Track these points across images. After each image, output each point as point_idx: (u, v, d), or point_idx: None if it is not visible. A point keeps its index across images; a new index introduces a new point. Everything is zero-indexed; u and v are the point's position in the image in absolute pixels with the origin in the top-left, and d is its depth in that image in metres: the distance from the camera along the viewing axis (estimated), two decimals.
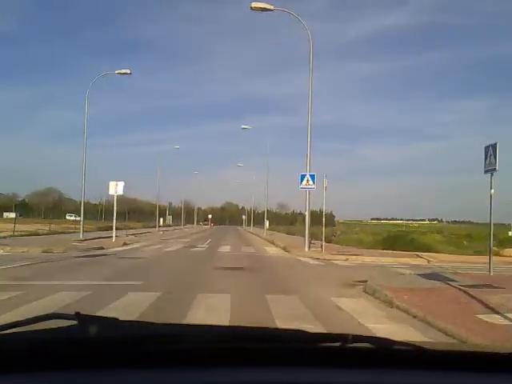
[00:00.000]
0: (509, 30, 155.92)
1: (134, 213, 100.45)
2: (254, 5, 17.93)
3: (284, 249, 21.35)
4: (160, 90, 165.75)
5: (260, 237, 36.37)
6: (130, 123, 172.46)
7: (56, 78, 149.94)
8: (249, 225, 78.91)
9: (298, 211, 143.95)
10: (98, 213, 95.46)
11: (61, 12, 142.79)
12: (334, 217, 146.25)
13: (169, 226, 72.74)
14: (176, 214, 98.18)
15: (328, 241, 23.96)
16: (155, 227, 60.60)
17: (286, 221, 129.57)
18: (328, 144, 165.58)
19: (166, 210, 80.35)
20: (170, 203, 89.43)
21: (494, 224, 10.37)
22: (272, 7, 18.13)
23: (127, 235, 29.60)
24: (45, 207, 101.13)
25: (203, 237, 36.18)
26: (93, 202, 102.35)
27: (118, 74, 24.41)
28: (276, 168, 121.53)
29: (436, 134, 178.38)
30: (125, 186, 22.93)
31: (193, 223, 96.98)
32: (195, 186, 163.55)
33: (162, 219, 70.40)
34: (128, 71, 24.25)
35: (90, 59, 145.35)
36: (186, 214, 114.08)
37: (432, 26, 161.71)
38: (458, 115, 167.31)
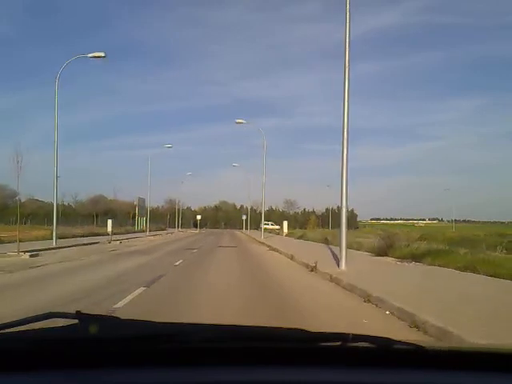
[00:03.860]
0: (502, 29, 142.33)
1: (107, 214, 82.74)
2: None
3: None
4: (154, 92, 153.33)
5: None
6: (126, 126, 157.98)
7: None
8: (254, 227, 56.10)
9: (311, 209, 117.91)
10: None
11: (52, 16, 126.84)
12: (356, 216, 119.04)
13: (125, 233, 45.87)
14: (163, 215, 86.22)
15: None
16: (107, 234, 34.91)
17: (296, 222, 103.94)
18: (324, 146, 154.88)
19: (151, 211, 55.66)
20: (141, 200, 60.52)
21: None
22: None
23: None
24: None
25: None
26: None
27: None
28: (276, 168, 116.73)
29: (432, 133, 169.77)
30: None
31: (178, 227, 70.58)
32: (187, 186, 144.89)
33: (110, 222, 43.01)
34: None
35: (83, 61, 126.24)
36: (170, 217, 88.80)
37: (426, 26, 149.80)
38: (454, 114, 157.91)
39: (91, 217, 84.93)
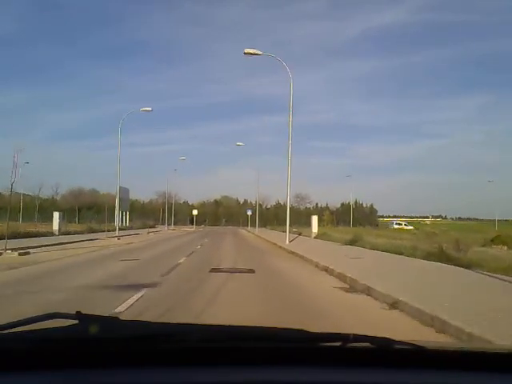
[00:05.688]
0: (505, 26, 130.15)
1: (91, 208, 73.75)
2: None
3: None
4: (154, 91, 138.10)
5: None
6: (126, 124, 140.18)
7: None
8: (264, 225, 44.91)
9: (325, 204, 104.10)
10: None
11: (56, 13, 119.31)
12: (376, 212, 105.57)
13: (88, 232, 32.83)
14: (155, 210, 76.69)
15: None
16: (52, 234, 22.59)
17: (308, 218, 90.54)
18: (327, 143, 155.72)
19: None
20: (124, 190, 47.21)
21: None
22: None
23: None
24: None
25: None
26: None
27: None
28: (282, 165, 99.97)
29: (436, 131, 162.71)
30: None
31: (169, 224, 58.16)
32: (186, 180, 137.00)
33: (57, 215, 29.80)
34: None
35: (88, 61, 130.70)
36: (163, 212, 75.81)
37: (429, 24, 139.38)
38: (458, 112, 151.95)
39: (73, 211, 73.25)
